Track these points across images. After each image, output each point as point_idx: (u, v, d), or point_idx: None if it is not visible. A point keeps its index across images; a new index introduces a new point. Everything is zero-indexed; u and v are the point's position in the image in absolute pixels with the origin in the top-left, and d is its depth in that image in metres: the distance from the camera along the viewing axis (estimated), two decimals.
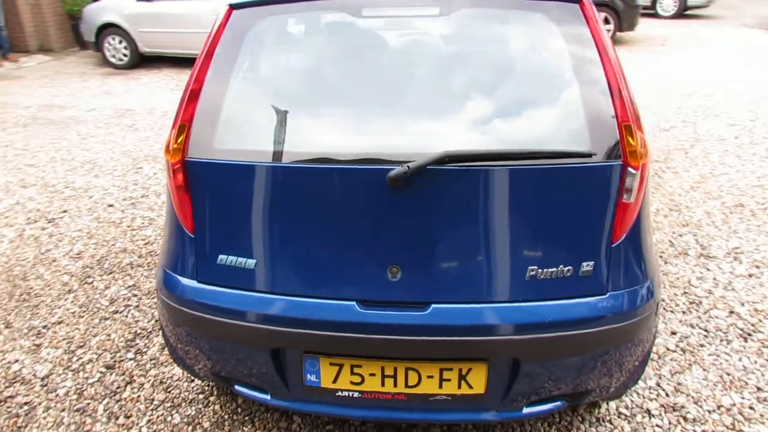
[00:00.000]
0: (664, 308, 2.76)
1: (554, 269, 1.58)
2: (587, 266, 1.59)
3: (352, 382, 1.69)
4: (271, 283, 1.65)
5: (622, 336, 1.66)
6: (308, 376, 1.71)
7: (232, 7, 1.78)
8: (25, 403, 2.26)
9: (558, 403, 1.76)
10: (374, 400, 1.71)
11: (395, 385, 1.67)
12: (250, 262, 1.65)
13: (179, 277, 1.74)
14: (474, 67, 1.79)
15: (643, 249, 1.69)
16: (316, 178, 1.60)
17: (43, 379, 2.39)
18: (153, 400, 2.27)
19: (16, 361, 2.50)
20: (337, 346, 1.63)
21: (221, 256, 1.67)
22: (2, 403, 2.26)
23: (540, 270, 1.57)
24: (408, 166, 1.48)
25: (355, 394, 1.71)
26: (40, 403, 2.26)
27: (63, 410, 2.22)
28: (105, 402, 2.26)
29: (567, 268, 1.58)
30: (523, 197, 1.57)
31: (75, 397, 2.29)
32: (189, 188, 1.68)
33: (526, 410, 1.73)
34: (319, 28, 2.04)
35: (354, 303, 1.60)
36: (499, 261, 1.59)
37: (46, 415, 2.20)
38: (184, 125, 1.67)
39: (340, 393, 1.71)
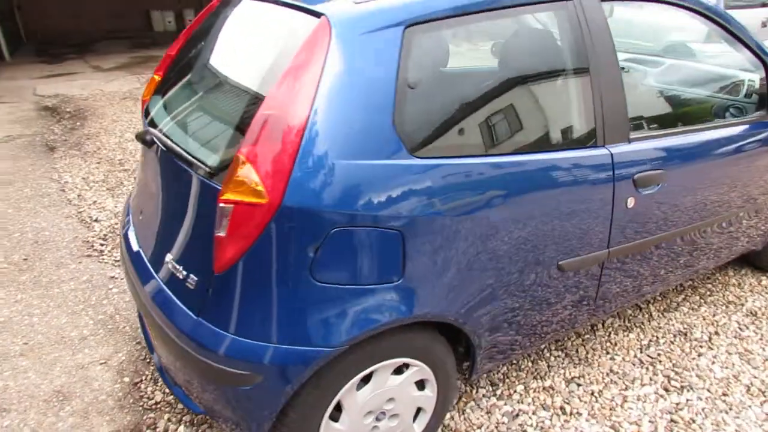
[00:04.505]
0: None
1: (178, 267, 1.66)
2: (191, 280, 1.60)
3: None
4: None
5: (199, 371, 1.58)
6: None
7: None
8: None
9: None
10: None
11: None
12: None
13: None
14: (224, 60, 1.90)
15: (246, 300, 1.51)
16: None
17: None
18: None
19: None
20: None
21: None
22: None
23: (172, 263, 1.69)
24: (139, 132, 1.90)
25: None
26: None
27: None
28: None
29: (183, 272, 1.63)
30: (180, 192, 1.70)
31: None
32: None
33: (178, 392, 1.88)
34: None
35: None
36: (159, 237, 1.81)
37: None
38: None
39: None
